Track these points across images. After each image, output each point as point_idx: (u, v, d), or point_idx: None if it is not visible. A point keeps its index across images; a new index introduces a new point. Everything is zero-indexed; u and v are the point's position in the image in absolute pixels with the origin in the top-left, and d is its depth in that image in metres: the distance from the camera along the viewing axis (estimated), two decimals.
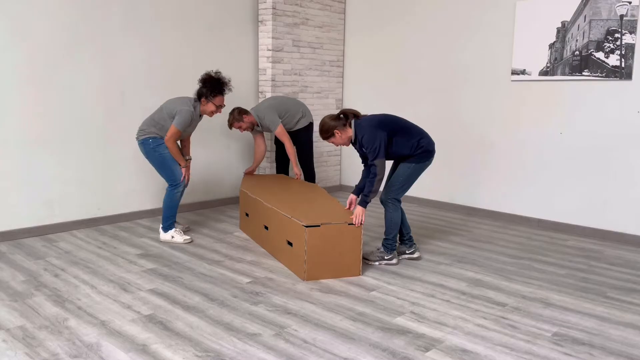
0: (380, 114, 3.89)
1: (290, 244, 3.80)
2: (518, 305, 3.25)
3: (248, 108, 5.99)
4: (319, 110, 6.39)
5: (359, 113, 3.85)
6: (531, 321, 3.02)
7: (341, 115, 3.79)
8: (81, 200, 4.76)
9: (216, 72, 4.29)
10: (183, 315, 3.02)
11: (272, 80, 5.87)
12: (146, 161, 5.16)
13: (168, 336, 2.76)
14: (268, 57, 5.85)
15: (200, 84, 4.24)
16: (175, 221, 4.46)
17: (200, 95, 4.25)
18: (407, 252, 4.07)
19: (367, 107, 6.31)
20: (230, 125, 5.02)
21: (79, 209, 4.75)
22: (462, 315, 3.09)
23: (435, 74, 5.78)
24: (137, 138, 4.32)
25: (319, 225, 3.56)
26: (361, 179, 3.93)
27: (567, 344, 2.76)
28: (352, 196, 3.97)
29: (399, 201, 3.92)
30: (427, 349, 2.67)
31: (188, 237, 4.37)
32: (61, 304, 3.14)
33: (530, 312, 3.14)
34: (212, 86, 4.21)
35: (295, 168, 5.10)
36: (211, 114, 4.31)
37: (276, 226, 4.02)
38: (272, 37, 5.80)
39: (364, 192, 3.77)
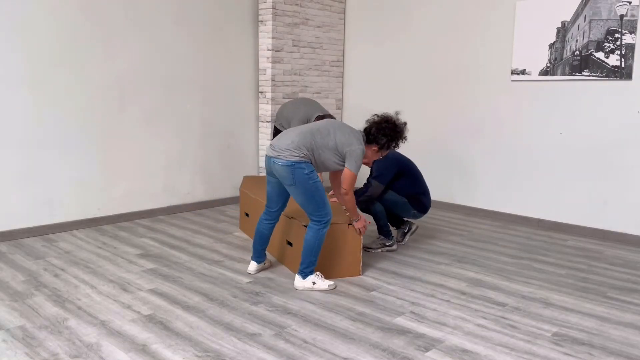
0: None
1: (290, 244, 3.80)
2: (518, 305, 3.25)
3: (247, 108, 6.01)
4: None
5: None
6: (531, 321, 3.02)
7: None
8: (81, 200, 4.76)
9: (397, 116, 3.54)
10: (183, 315, 3.02)
11: (272, 80, 5.86)
12: (146, 161, 5.16)
13: (168, 336, 2.76)
14: (268, 57, 5.85)
15: (380, 130, 3.42)
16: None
17: (373, 140, 3.45)
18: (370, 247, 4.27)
19: (367, 107, 6.31)
20: None
21: (79, 209, 4.75)
22: (462, 315, 3.09)
23: (435, 74, 5.78)
24: (284, 157, 3.27)
25: None
26: None
27: (567, 344, 2.76)
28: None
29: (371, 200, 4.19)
30: (427, 349, 2.67)
31: (332, 283, 3.50)
32: (61, 304, 3.14)
33: (530, 312, 3.14)
34: (394, 138, 3.45)
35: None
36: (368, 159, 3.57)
37: (276, 226, 4.01)
38: (272, 37, 5.79)
39: None
